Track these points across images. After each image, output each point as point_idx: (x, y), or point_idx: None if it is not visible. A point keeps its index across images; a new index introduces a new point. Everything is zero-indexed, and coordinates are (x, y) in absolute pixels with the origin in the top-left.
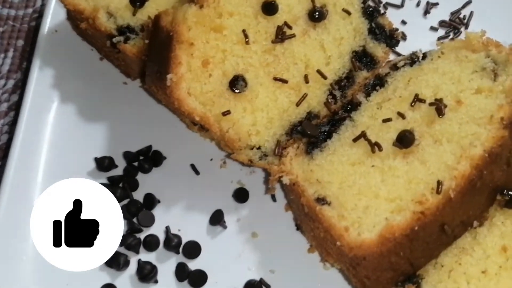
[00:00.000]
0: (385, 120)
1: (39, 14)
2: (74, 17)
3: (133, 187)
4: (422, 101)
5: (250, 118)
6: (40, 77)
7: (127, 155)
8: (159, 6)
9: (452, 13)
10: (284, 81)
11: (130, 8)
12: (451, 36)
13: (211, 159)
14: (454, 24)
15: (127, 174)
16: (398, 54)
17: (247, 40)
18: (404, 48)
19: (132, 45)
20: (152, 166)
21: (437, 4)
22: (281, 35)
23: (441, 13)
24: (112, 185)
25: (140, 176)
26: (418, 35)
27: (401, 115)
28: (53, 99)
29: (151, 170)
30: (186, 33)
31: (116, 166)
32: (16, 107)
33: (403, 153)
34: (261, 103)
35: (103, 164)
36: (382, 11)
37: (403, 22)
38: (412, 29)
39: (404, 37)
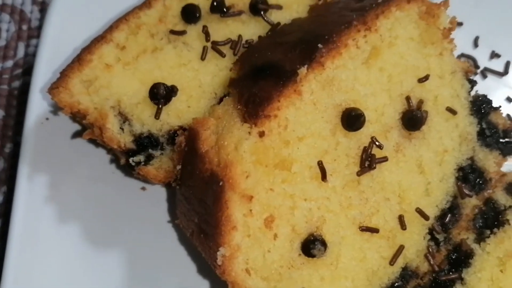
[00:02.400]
0: None
1: (24, 70)
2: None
3: None
4: None
5: None
6: (29, 190)
7: None
8: (191, 101)
9: None
10: (375, 231)
11: (151, 105)
12: None
13: None
14: None
15: None
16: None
17: (324, 176)
18: None
19: (157, 167)
20: None
21: None
22: (368, 161)
23: None
24: None
25: None
26: None
27: None
28: (48, 223)
29: None
30: (242, 181)
31: None
32: (4, 214)
33: None
34: (344, 269)
35: None
36: (495, 105)
37: (509, 99)
38: None
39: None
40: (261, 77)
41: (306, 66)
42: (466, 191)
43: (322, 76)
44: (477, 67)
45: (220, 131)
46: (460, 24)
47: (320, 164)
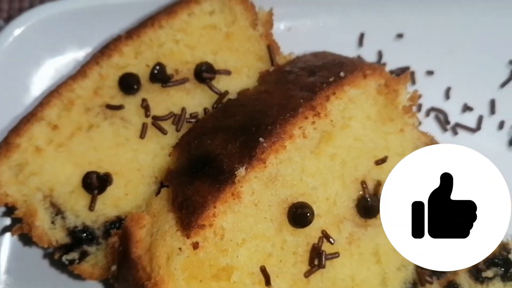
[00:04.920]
0: None
1: None
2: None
3: None
4: None
5: None
6: None
7: None
8: (129, 188)
9: None
10: None
11: (85, 194)
12: None
13: None
14: None
15: None
16: None
17: (268, 282)
18: None
19: (93, 265)
20: None
21: None
22: (318, 258)
23: None
24: None
25: None
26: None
27: None
28: None
29: None
30: None
31: None
32: None
33: None
34: None
35: None
36: None
37: None
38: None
39: None
40: (197, 175)
41: (244, 166)
42: (427, 277)
43: (264, 174)
44: (447, 122)
45: (154, 232)
46: (431, 73)
47: (263, 270)
